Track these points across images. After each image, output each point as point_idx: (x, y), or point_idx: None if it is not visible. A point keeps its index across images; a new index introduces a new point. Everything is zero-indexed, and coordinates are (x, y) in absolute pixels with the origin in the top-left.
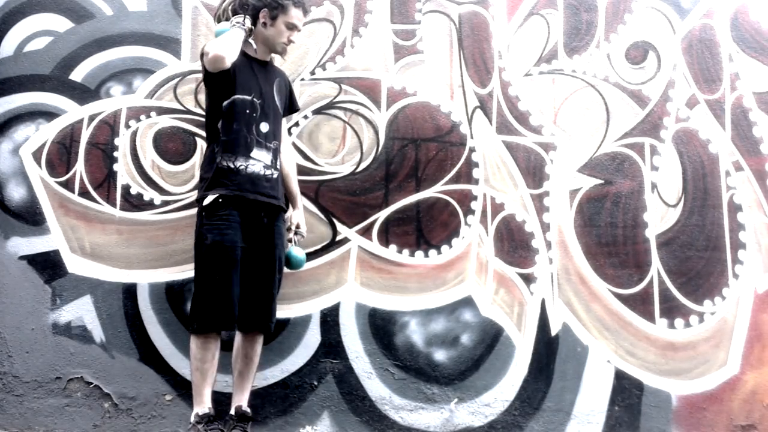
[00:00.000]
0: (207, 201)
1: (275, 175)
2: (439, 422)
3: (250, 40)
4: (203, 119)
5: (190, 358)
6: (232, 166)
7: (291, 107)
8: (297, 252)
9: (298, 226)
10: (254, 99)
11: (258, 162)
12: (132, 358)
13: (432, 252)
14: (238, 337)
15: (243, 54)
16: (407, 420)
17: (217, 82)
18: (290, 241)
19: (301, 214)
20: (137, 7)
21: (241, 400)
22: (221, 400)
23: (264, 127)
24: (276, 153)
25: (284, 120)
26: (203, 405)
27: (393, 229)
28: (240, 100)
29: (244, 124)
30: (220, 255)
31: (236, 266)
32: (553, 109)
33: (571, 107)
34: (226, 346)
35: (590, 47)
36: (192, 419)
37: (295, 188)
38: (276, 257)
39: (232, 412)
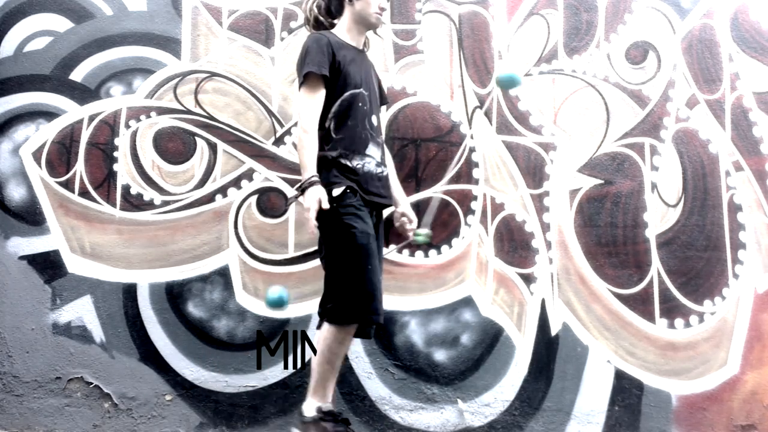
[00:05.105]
0: (337, 192)
1: (385, 173)
2: (439, 422)
3: (340, 28)
4: (203, 119)
5: (320, 349)
6: (349, 165)
7: (381, 98)
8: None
9: (410, 219)
10: (363, 91)
11: (372, 159)
12: (132, 358)
13: (432, 252)
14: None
15: (344, 43)
16: (407, 420)
17: (329, 80)
18: (416, 235)
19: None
20: (137, 7)
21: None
22: (221, 399)
23: (374, 120)
24: (383, 148)
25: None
26: (327, 399)
27: (393, 229)
28: (356, 95)
29: (359, 120)
30: (369, 242)
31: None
32: (553, 109)
33: (571, 107)
34: (224, 345)
35: (590, 47)
36: (313, 412)
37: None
38: (381, 260)
39: (331, 409)
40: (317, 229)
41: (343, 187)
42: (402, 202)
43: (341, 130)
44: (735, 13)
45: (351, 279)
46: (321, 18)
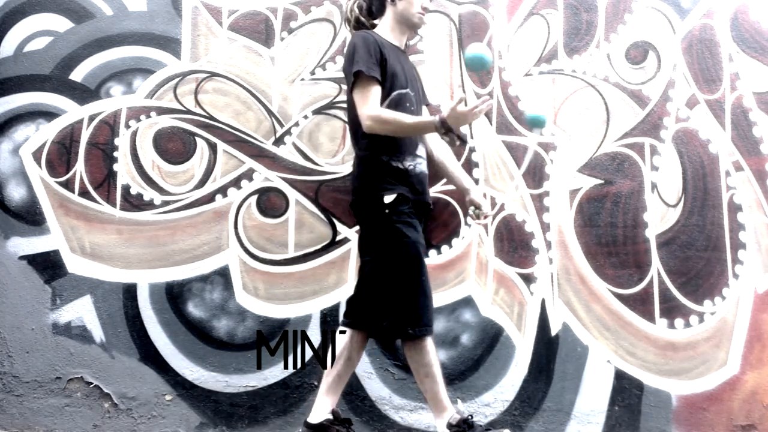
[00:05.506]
0: (389, 199)
1: (427, 173)
2: None
3: (382, 27)
4: (203, 119)
5: (413, 369)
6: (401, 167)
7: (424, 98)
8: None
9: (479, 207)
10: (410, 91)
11: (423, 160)
12: (132, 358)
13: (432, 252)
14: (355, 338)
15: (387, 42)
16: (407, 420)
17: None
18: (480, 216)
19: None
20: (137, 7)
21: None
22: (221, 399)
23: None
24: (428, 148)
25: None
26: (450, 408)
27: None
28: (403, 95)
29: None
30: (421, 252)
31: None
32: (553, 109)
33: (571, 107)
34: (224, 345)
35: (590, 47)
36: (452, 422)
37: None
38: None
39: (332, 416)
40: (366, 232)
41: (395, 195)
42: (472, 189)
43: None
44: (735, 13)
45: (406, 291)
46: (362, 19)
